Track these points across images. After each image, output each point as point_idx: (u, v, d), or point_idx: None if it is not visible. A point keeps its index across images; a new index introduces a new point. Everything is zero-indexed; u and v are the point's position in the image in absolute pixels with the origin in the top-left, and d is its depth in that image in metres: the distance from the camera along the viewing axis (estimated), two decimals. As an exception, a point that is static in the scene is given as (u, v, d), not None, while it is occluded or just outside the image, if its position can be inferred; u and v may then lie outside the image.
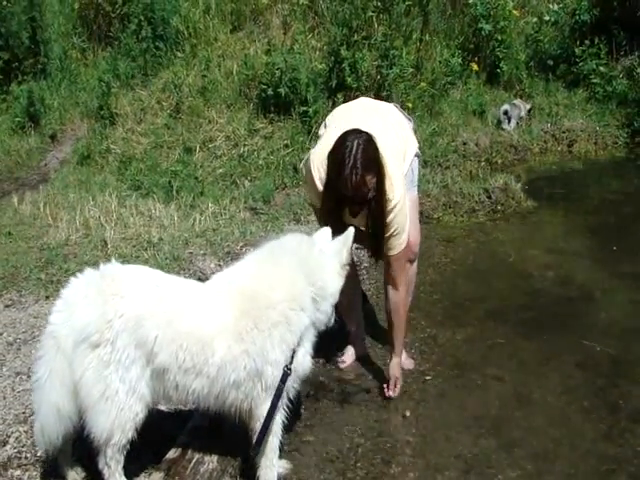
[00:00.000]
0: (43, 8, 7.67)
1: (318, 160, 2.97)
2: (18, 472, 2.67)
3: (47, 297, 3.92)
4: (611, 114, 7.30)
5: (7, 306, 3.94)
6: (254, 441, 2.47)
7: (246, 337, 2.39)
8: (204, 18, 7.38)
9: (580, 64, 7.63)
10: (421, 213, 3.73)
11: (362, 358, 3.53)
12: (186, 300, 2.46)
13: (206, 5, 7.50)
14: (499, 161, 6.71)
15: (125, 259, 4.05)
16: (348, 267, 2.67)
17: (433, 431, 3.03)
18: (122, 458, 2.44)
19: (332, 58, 6.46)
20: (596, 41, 7.52)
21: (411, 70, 6.75)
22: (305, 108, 6.13)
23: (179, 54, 7.19)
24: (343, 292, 2.67)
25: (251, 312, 2.41)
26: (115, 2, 7.65)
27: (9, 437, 2.85)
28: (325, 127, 3.27)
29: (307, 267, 2.52)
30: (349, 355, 3.52)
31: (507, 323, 3.88)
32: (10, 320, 3.78)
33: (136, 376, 2.35)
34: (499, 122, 7.09)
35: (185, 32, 7.28)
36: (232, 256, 4.41)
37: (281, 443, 2.60)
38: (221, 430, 2.65)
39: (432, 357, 3.57)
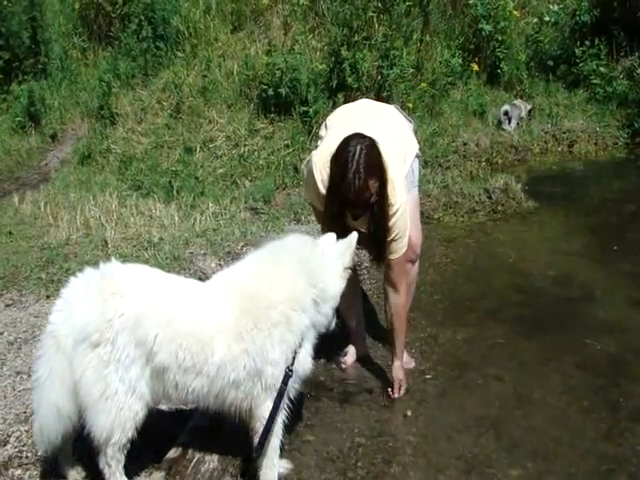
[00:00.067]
0: (44, 8, 7.68)
1: (320, 162, 2.97)
2: (19, 471, 2.67)
3: (48, 296, 3.92)
4: (611, 115, 7.31)
5: (8, 305, 3.94)
6: (256, 442, 2.47)
7: (246, 336, 2.39)
8: (204, 18, 7.38)
9: (580, 65, 7.64)
10: (422, 213, 3.72)
11: (363, 358, 3.54)
12: (186, 299, 2.46)
13: (206, 5, 7.51)
14: (499, 161, 6.72)
15: (126, 259, 4.05)
16: (350, 271, 2.67)
17: (434, 431, 3.03)
18: (123, 457, 2.44)
19: (333, 58, 6.47)
20: (596, 42, 7.53)
21: (411, 70, 6.76)
22: (305, 108, 6.13)
23: (179, 54, 7.20)
24: (343, 292, 2.67)
25: (251, 312, 2.41)
26: (115, 2, 7.65)
27: (10, 436, 2.85)
28: (326, 128, 3.27)
29: (309, 268, 2.52)
30: (350, 355, 3.52)
31: (507, 323, 3.88)
32: (11, 319, 3.78)
33: (136, 375, 2.35)
34: (499, 122, 7.10)
35: (185, 32, 7.28)
36: (232, 256, 4.41)
37: (282, 443, 2.60)
38: (222, 430, 2.65)
39: (432, 357, 3.57)
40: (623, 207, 5.68)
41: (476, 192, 5.60)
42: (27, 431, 2.85)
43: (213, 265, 4.33)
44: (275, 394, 2.44)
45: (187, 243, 4.66)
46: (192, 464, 2.53)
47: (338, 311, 2.73)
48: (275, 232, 4.81)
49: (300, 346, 2.48)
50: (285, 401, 2.51)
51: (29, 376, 3.02)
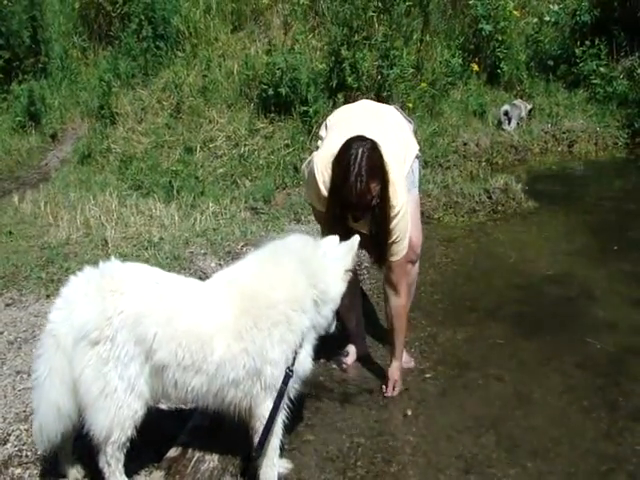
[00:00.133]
0: (44, 7, 7.69)
1: (322, 164, 2.98)
2: (19, 470, 2.67)
3: (48, 296, 3.92)
4: (611, 115, 7.32)
5: (8, 305, 3.94)
6: (256, 442, 2.47)
7: (245, 336, 2.39)
8: (205, 18, 7.39)
9: (580, 65, 7.65)
10: (422, 213, 3.73)
11: (363, 358, 3.54)
12: (186, 298, 2.46)
13: (207, 5, 7.51)
14: (499, 161, 6.73)
15: (126, 258, 4.04)
16: (351, 273, 2.67)
17: (433, 430, 3.03)
18: (122, 456, 2.44)
19: (333, 58, 6.47)
20: (596, 42, 7.53)
21: (411, 70, 6.76)
22: (306, 108, 6.14)
23: (180, 54, 7.20)
24: (344, 293, 2.66)
25: (251, 311, 2.41)
26: (116, 1, 7.66)
27: (10, 435, 2.85)
28: (326, 128, 3.28)
29: (310, 269, 2.52)
30: (350, 355, 3.52)
31: (507, 322, 3.88)
32: (11, 319, 3.78)
33: (135, 373, 2.35)
34: (499, 122, 7.10)
35: (186, 32, 7.29)
36: (232, 256, 4.42)
37: (282, 442, 2.60)
38: (222, 429, 2.65)
39: (432, 356, 3.58)
40: (623, 207, 5.69)
41: (476, 192, 5.60)
42: (27, 430, 2.85)
43: (213, 265, 4.33)
44: (275, 394, 2.44)
45: (187, 243, 4.66)
46: (192, 463, 2.53)
47: (338, 312, 2.72)
48: (275, 232, 4.82)
49: (300, 346, 2.48)
50: (285, 401, 2.51)
51: (29, 375, 3.02)
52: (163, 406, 2.90)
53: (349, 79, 6.29)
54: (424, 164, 5.60)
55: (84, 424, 2.39)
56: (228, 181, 5.82)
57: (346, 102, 5.60)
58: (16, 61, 7.44)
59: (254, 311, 2.42)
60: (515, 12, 7.74)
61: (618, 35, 7.68)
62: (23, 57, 7.47)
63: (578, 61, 7.67)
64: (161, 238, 4.68)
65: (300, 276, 2.50)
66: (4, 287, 4.11)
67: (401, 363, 3.27)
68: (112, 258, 2.56)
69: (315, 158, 3.07)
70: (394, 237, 2.98)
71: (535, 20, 8.30)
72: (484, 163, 6.59)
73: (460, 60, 7.32)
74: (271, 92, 6.25)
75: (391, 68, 6.44)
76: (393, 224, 2.95)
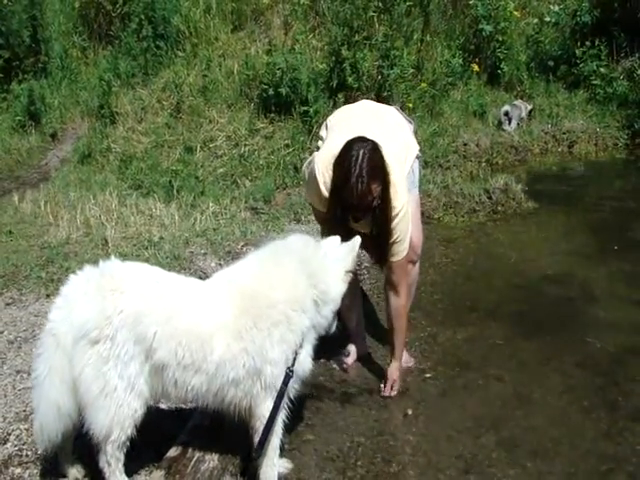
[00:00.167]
0: (44, 7, 7.69)
1: (323, 165, 2.98)
2: (19, 470, 2.67)
3: (48, 295, 3.92)
4: (611, 115, 7.33)
5: (8, 304, 3.94)
6: (256, 442, 2.47)
7: (245, 335, 2.39)
8: (205, 17, 7.39)
9: (581, 65, 7.65)
10: (422, 213, 3.73)
11: (363, 357, 3.54)
12: (186, 297, 2.46)
13: (207, 4, 7.51)
14: (500, 162, 6.74)
15: (126, 258, 4.02)
16: (352, 274, 2.67)
17: (433, 430, 3.03)
18: (122, 456, 2.44)
19: (333, 58, 6.47)
20: (597, 42, 7.54)
21: (412, 70, 6.77)
22: (306, 108, 6.14)
23: (180, 53, 7.20)
24: (344, 293, 2.67)
25: (251, 311, 2.41)
26: (116, 1, 7.67)
27: (10, 435, 2.85)
28: (326, 128, 3.28)
29: (310, 269, 2.52)
30: (350, 355, 3.52)
31: (507, 322, 3.88)
32: (11, 318, 3.78)
33: (135, 372, 2.35)
34: (500, 123, 7.11)
35: (186, 31, 7.29)
36: (233, 255, 4.42)
37: (282, 442, 2.60)
38: (222, 429, 2.65)
39: (433, 356, 3.58)
40: (623, 207, 5.69)
41: (476, 192, 5.60)
42: (27, 429, 2.85)
43: (213, 264, 4.33)
44: (275, 393, 2.44)
45: (187, 242, 4.66)
46: (192, 463, 2.53)
47: (339, 312, 2.72)
48: (275, 232, 4.82)
49: (301, 347, 2.48)
50: (285, 401, 2.51)
51: (29, 375, 3.01)
52: (163, 405, 2.90)
53: (349, 79, 6.29)
54: (424, 164, 5.60)
55: (84, 423, 2.38)
56: (228, 181, 5.82)
57: (346, 102, 5.61)
58: (16, 60, 7.44)
59: (254, 311, 2.41)
60: (515, 12, 7.75)
61: (618, 36, 7.69)
62: (23, 56, 7.47)
63: (578, 62, 7.67)
64: (161, 238, 4.68)
65: (300, 276, 2.50)
66: (4, 286, 4.11)
67: (401, 363, 3.27)
68: (112, 257, 2.55)
69: (316, 159, 3.07)
70: (394, 237, 2.99)
71: (535, 21, 8.30)
72: (484, 163, 6.60)
73: (460, 60, 7.33)
74: (271, 92, 6.25)
75: (391, 68, 6.44)
76: (394, 224, 2.95)
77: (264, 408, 2.46)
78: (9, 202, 5.52)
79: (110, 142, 6.38)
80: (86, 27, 8.11)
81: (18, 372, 3.28)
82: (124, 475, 2.47)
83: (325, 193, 2.97)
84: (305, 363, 2.53)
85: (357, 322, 3.53)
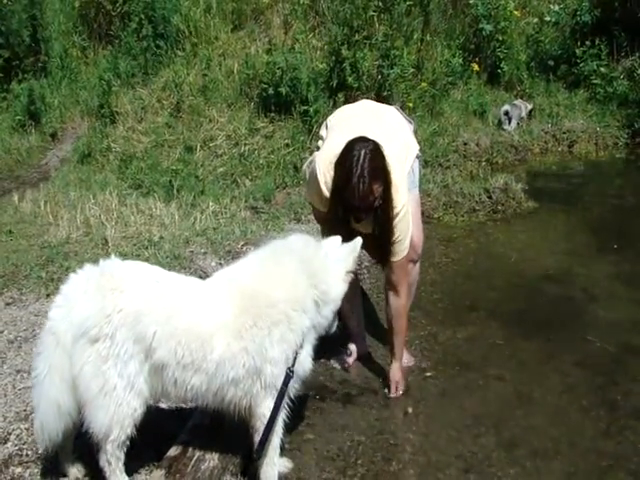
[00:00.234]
0: (44, 6, 7.69)
1: (324, 165, 2.98)
2: (19, 469, 2.67)
3: (48, 295, 3.91)
4: (611, 115, 7.33)
5: (8, 304, 3.94)
6: (256, 442, 2.47)
7: (245, 335, 2.39)
8: (205, 17, 7.38)
9: (581, 65, 7.65)
10: (422, 213, 3.73)
11: (363, 357, 3.54)
12: (186, 297, 2.45)
13: (207, 4, 7.51)
14: (500, 161, 6.74)
15: (126, 257, 4.03)
16: (352, 275, 2.67)
17: (434, 429, 3.03)
18: (122, 455, 2.44)
19: (333, 58, 6.47)
20: (597, 42, 7.54)
21: (412, 70, 6.76)
22: (306, 107, 6.14)
23: (180, 53, 7.20)
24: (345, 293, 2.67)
25: (251, 310, 2.41)
26: (116, 0, 7.65)
27: (10, 434, 2.84)
28: (326, 128, 3.28)
29: (311, 269, 2.51)
30: (350, 354, 3.52)
31: (507, 322, 3.88)
32: (11, 318, 3.78)
33: (134, 371, 2.35)
34: (500, 122, 7.11)
35: (186, 31, 7.28)
36: (233, 255, 4.42)
37: (282, 441, 2.60)
38: (222, 428, 2.65)
39: (433, 355, 3.58)
40: (623, 207, 5.70)
41: (476, 192, 5.61)
42: (27, 429, 2.85)
43: (213, 264, 4.33)
44: (275, 393, 2.44)
45: (187, 242, 4.66)
46: (192, 462, 2.53)
47: (339, 312, 2.72)
48: (275, 231, 4.82)
49: (301, 347, 2.48)
50: (285, 400, 2.51)
51: (29, 374, 3.01)
52: (163, 405, 2.90)
53: (349, 79, 6.29)
54: (424, 164, 5.60)
55: (84, 422, 2.38)
56: (228, 180, 5.82)
57: (346, 102, 5.61)
58: (16, 60, 7.44)
59: (254, 310, 2.41)
60: (515, 12, 7.75)
61: (619, 35, 7.69)
62: (23, 56, 7.47)
63: (578, 61, 7.67)
64: (161, 237, 4.68)
65: (301, 276, 2.50)
66: (4, 286, 4.11)
67: (401, 363, 3.27)
68: (112, 256, 2.55)
69: (317, 159, 3.07)
70: (395, 237, 2.99)
71: (535, 20, 8.30)
72: (484, 163, 6.60)
73: (460, 60, 7.33)
74: (271, 91, 6.25)
75: (391, 68, 6.44)
76: (394, 224, 2.95)
77: (264, 407, 2.46)
78: (9, 202, 5.52)
79: (110, 142, 6.38)
80: (86, 27, 8.11)
81: (18, 371, 3.28)
82: (124, 474, 2.47)
83: (326, 193, 2.97)
84: (305, 363, 2.53)
85: (357, 322, 3.53)
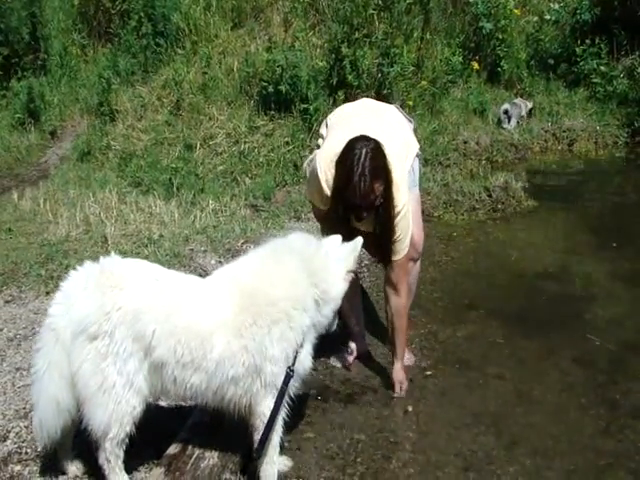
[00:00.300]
0: (43, 4, 7.69)
1: (325, 163, 2.98)
2: (18, 467, 2.67)
3: (47, 293, 3.92)
4: (611, 114, 7.32)
5: (7, 302, 3.94)
6: (256, 440, 2.47)
7: (245, 333, 2.38)
8: (205, 15, 7.38)
9: (581, 63, 7.65)
10: (422, 212, 3.72)
11: (363, 355, 3.54)
12: (185, 295, 2.45)
13: (207, 2, 7.51)
14: (499, 160, 6.73)
15: (125, 255, 4.02)
16: (353, 274, 2.66)
17: (433, 428, 3.04)
18: (122, 453, 2.43)
19: (333, 56, 6.47)
20: (597, 40, 7.54)
21: (412, 68, 6.76)
22: (306, 105, 6.13)
23: (179, 51, 7.19)
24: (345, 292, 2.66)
25: (250, 308, 2.40)
26: (115, -2, 7.66)
27: (9, 432, 2.85)
28: (327, 127, 3.28)
29: (311, 268, 2.51)
30: (350, 353, 3.52)
31: (507, 321, 3.88)
32: (10, 316, 3.78)
33: (134, 369, 2.34)
34: (499, 121, 7.10)
35: (186, 29, 7.28)
36: (232, 253, 4.42)
37: (282, 440, 2.60)
38: (222, 426, 2.65)
39: (433, 354, 3.58)
40: (622, 205, 5.70)
41: (476, 190, 5.61)
42: (26, 427, 2.85)
43: (213, 262, 4.33)
44: (275, 391, 2.44)
45: (187, 240, 4.66)
46: (192, 460, 2.53)
47: (339, 311, 2.72)
48: (275, 229, 4.82)
49: (301, 346, 2.48)
50: (286, 399, 2.50)
51: (29, 372, 3.01)
52: (163, 403, 2.90)
53: (349, 77, 6.29)
54: (424, 162, 5.59)
55: (83, 419, 2.38)
56: (228, 178, 5.82)
57: (346, 100, 5.61)
58: (15, 58, 7.44)
59: (254, 308, 2.41)
60: (516, 10, 7.75)
61: (618, 34, 7.68)
62: (22, 54, 7.47)
63: (578, 60, 7.67)
64: (161, 235, 4.68)
65: (301, 275, 2.49)
66: (3, 284, 4.11)
67: (403, 362, 3.27)
68: (112, 254, 2.55)
69: (317, 157, 3.07)
70: (396, 236, 2.99)
71: (535, 18, 8.30)
72: (484, 161, 6.60)
73: (460, 58, 7.32)
74: (271, 89, 6.24)
75: (391, 66, 6.44)
76: (395, 223, 2.95)
77: (264, 406, 2.45)
78: (8, 200, 5.52)
79: (110, 140, 6.38)
80: (85, 24, 8.11)
81: (18, 369, 3.28)
82: (124, 472, 2.47)
83: (327, 191, 2.97)
84: (306, 362, 2.53)
85: (357, 320, 3.53)
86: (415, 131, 3.56)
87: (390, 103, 3.68)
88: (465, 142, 6.73)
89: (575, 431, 2.99)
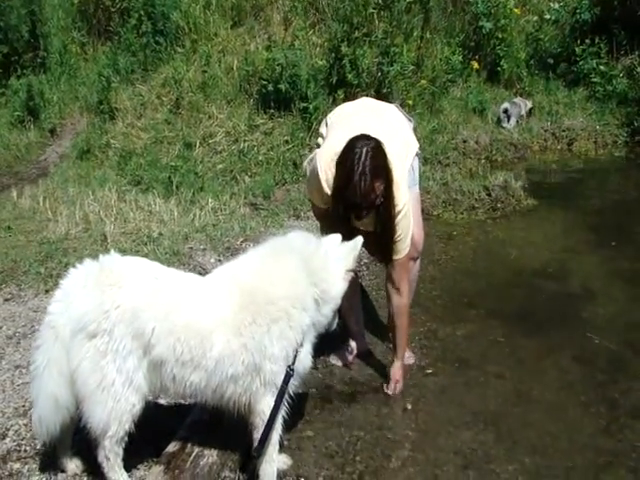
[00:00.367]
0: (43, 2, 7.69)
1: (325, 162, 2.97)
2: (17, 465, 2.67)
3: (47, 291, 3.91)
4: (611, 113, 7.32)
5: (7, 300, 3.94)
6: (255, 439, 2.47)
7: (244, 332, 2.38)
8: (204, 13, 7.38)
9: (580, 63, 7.65)
10: (422, 210, 3.73)
11: (363, 354, 3.54)
12: (185, 293, 2.45)
13: (206, 0, 7.50)
14: (499, 159, 6.74)
15: (125, 253, 4.02)
16: (352, 273, 2.66)
17: (433, 426, 3.03)
18: (121, 451, 2.43)
19: (333, 54, 6.47)
20: (596, 40, 7.54)
21: (412, 67, 6.76)
22: (305, 104, 6.13)
23: (179, 49, 7.19)
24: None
25: (250, 307, 2.40)
26: (115, -3, 7.65)
27: (8, 430, 2.84)
28: (326, 126, 3.28)
29: (311, 267, 2.51)
30: (350, 351, 3.51)
31: (507, 319, 3.88)
32: (10, 314, 3.78)
33: (133, 367, 2.34)
34: (499, 120, 7.10)
35: (185, 27, 7.28)
36: (232, 251, 4.42)
37: (281, 438, 2.60)
38: (221, 424, 2.65)
39: (432, 352, 3.58)
40: (622, 205, 5.70)
41: (475, 189, 5.61)
42: (26, 425, 2.85)
43: (212, 260, 4.33)
44: (274, 390, 2.44)
45: (186, 238, 4.65)
46: (191, 458, 2.53)
47: (339, 310, 2.72)
48: (274, 228, 4.82)
49: (301, 345, 2.47)
50: (285, 398, 2.50)
51: (28, 370, 3.01)
52: (162, 401, 2.90)
53: (349, 76, 6.29)
54: (424, 161, 5.59)
55: (82, 417, 2.38)
56: (227, 177, 5.81)
57: (346, 99, 5.61)
58: (15, 56, 7.44)
59: (253, 307, 2.40)
60: (515, 10, 7.75)
61: (618, 34, 7.68)
62: (22, 52, 7.46)
63: (578, 59, 7.67)
64: (160, 233, 4.67)
65: (301, 274, 2.49)
66: (3, 282, 4.10)
67: (403, 362, 3.27)
68: (112, 252, 2.55)
69: (317, 156, 3.07)
70: (397, 235, 2.99)
71: (535, 18, 8.29)
72: (483, 160, 6.59)
73: (460, 57, 7.32)
74: (271, 88, 6.24)
75: (391, 65, 6.43)
76: (396, 222, 2.95)
77: (264, 404, 2.45)
78: (8, 198, 5.51)
79: (109, 138, 6.38)
80: (85, 22, 8.11)
81: (17, 367, 3.28)
82: (123, 470, 2.47)
83: (327, 190, 2.97)
84: (305, 361, 2.53)
85: (357, 319, 3.53)
86: (415, 130, 3.56)
87: (390, 102, 3.68)
88: (465, 141, 6.73)
89: (575, 430, 2.99)
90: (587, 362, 3.47)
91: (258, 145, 6.09)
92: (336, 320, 2.68)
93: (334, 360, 3.50)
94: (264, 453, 2.50)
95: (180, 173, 5.68)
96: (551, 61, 7.93)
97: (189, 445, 2.58)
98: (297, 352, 2.45)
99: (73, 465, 2.60)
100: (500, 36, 7.54)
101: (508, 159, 6.79)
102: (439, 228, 5.16)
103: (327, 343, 2.98)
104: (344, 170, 2.81)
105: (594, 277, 4.38)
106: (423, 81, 6.86)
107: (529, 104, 7.27)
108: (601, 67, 7.54)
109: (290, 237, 2.63)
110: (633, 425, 3.00)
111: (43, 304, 3.67)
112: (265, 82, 6.28)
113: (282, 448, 2.70)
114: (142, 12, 7.22)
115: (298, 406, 2.83)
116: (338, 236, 2.65)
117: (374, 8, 6.74)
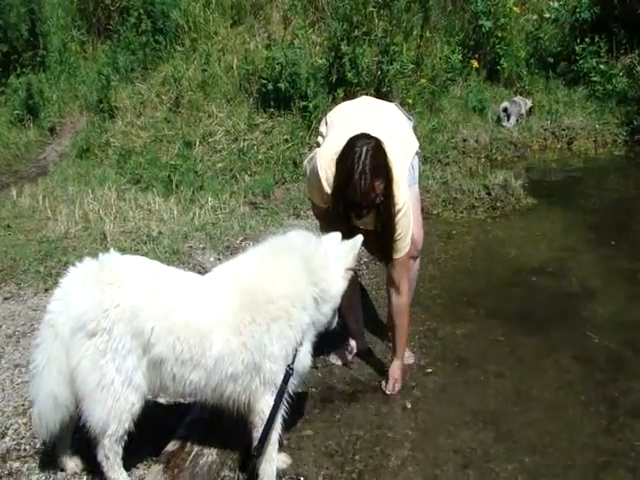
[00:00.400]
0: (42, 1, 7.67)
1: (325, 161, 2.97)
2: (17, 464, 2.66)
3: (46, 290, 3.91)
4: (611, 112, 7.32)
5: (6, 299, 3.94)
6: (254, 438, 2.46)
7: (244, 331, 2.38)
8: (204, 12, 7.38)
9: (580, 62, 7.64)
10: (422, 209, 3.73)
11: (362, 353, 3.54)
12: (184, 292, 2.44)
13: (206, -1, 7.50)
14: (499, 158, 6.74)
15: (124, 252, 4.01)
16: (352, 272, 2.66)
17: (432, 425, 3.03)
18: (120, 450, 2.43)
19: (332, 53, 6.47)
20: (596, 39, 7.53)
21: (411, 66, 6.76)
22: (305, 103, 6.13)
23: (179, 48, 7.19)
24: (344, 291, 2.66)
25: (250, 306, 2.40)
26: (115, -5, 7.65)
27: (8, 429, 2.84)
28: (326, 124, 3.28)
29: (311, 266, 2.50)
30: (349, 350, 3.52)
31: (506, 319, 3.88)
32: (9, 313, 3.78)
33: (132, 366, 2.34)
34: (499, 119, 7.10)
35: (185, 26, 7.28)
36: (231, 250, 4.42)
37: (280, 437, 2.60)
38: (220, 423, 2.65)
39: (432, 351, 3.58)
40: (621, 204, 5.70)
41: (475, 188, 5.61)
42: (25, 424, 2.85)
43: (212, 259, 4.32)
44: (274, 389, 2.44)
45: (186, 237, 4.65)
46: (191, 457, 2.53)
47: (339, 309, 2.72)
48: (274, 227, 4.82)
49: (301, 344, 2.47)
50: (285, 397, 2.50)
51: (27, 369, 3.01)
52: (162, 400, 2.90)
53: (349, 74, 6.29)
54: (423, 160, 5.60)
55: (82, 416, 2.38)
56: (227, 176, 5.81)
57: (346, 97, 5.61)
58: (14, 54, 7.43)
59: (253, 306, 2.40)
60: (515, 9, 7.74)
61: (618, 32, 7.68)
62: (21, 50, 7.46)
63: (578, 58, 7.66)
64: (160, 232, 4.67)
65: (301, 273, 2.49)
66: (2, 281, 4.10)
67: (402, 361, 3.27)
68: (111, 251, 2.54)
69: (317, 155, 3.07)
70: (397, 234, 2.99)
71: (535, 17, 8.29)
72: (483, 159, 6.59)
73: (460, 56, 7.32)
74: (270, 87, 6.24)
75: (391, 64, 6.43)
76: (396, 221, 2.95)
77: (263, 403, 2.45)
78: (7, 196, 5.51)
79: (109, 136, 6.38)
80: (85, 21, 8.10)
81: (16, 366, 3.28)
82: (122, 469, 2.47)
83: (327, 189, 2.97)
84: (305, 360, 2.53)
85: (356, 318, 3.53)
86: (414, 129, 3.56)
87: (390, 101, 3.68)
88: (464, 140, 6.73)
89: (574, 429, 2.99)
90: (587, 361, 3.47)
91: (258, 144, 6.08)
92: (336, 319, 2.68)
93: (334, 359, 3.50)
94: (264, 452, 2.50)
95: (180, 172, 5.68)
96: (551, 60, 7.93)
97: (189, 444, 2.58)
98: (297, 351, 2.45)
99: (73, 464, 2.60)
100: (500, 35, 7.53)
101: (508, 158, 6.79)
102: (439, 227, 5.16)
103: (327, 342, 2.99)
104: (344, 169, 2.81)
105: (594, 276, 4.38)
106: (423, 80, 6.86)
107: (529, 103, 7.26)
108: (601, 66, 7.54)
109: (290, 236, 2.63)
110: (633, 424, 3.00)
111: (42, 303, 3.67)
112: (265, 81, 6.28)
113: (282, 447, 2.70)
114: (142, 10, 7.22)
115: (298, 405, 2.83)
116: (338, 235, 2.65)
117: (374, 7, 6.74)
